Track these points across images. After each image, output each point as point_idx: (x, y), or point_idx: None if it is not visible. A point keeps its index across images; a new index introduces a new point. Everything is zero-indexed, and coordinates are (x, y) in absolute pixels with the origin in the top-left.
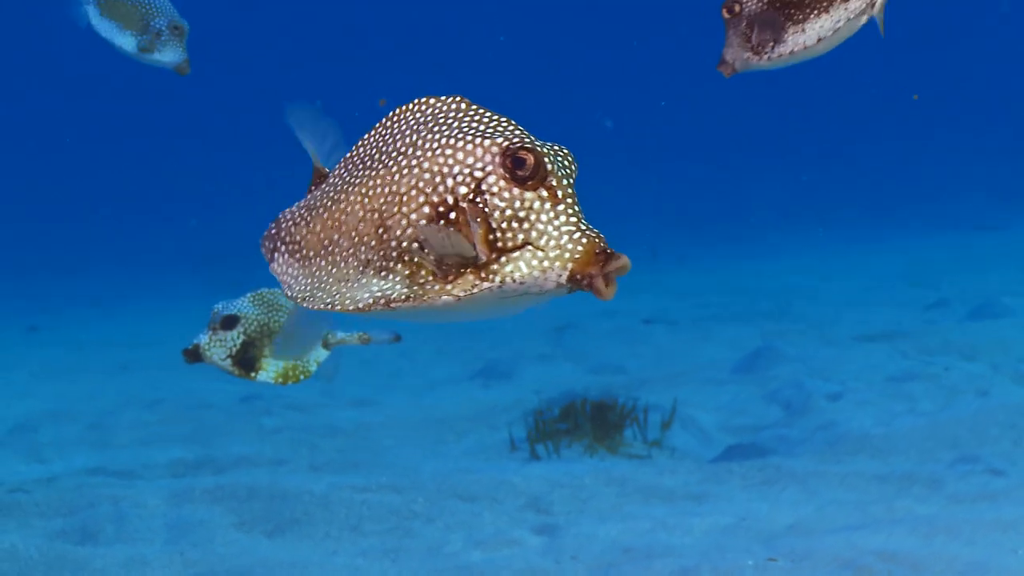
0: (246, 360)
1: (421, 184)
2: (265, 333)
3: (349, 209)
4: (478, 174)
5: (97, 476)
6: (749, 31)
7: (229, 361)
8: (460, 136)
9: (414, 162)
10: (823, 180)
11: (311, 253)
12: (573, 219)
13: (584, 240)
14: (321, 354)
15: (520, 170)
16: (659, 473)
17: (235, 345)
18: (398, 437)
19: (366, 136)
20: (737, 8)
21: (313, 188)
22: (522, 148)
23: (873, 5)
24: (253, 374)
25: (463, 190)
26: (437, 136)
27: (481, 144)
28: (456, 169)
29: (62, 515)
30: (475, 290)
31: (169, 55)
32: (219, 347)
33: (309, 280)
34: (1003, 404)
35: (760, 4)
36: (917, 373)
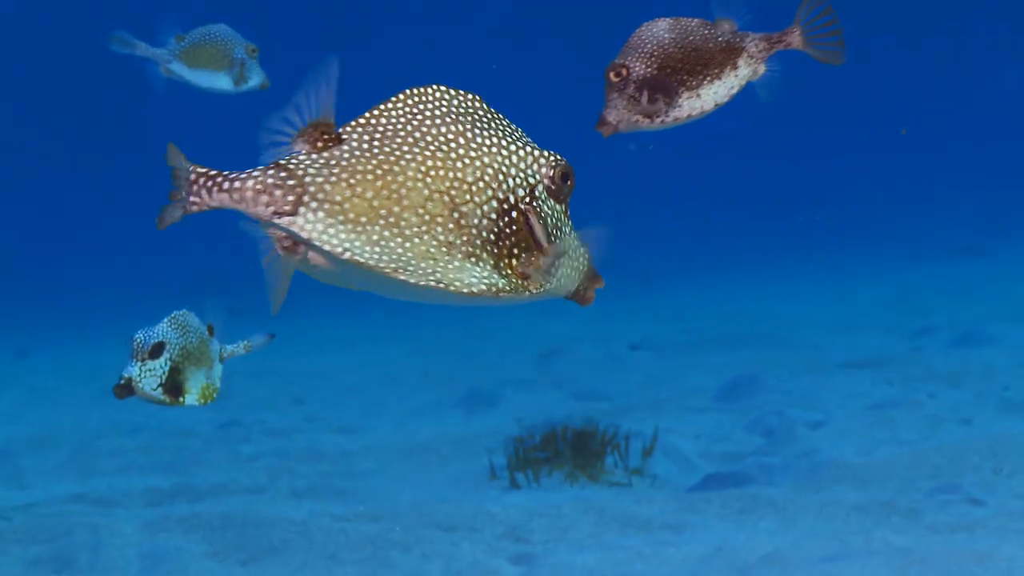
0: (174, 386)
1: (487, 178)
2: (185, 356)
3: (409, 184)
4: (532, 180)
5: (76, 503)
6: (638, 94)
7: (160, 390)
8: (510, 139)
9: (472, 154)
10: (813, 207)
11: (364, 220)
12: (576, 234)
13: (587, 256)
14: (220, 370)
15: (568, 184)
16: (637, 502)
17: (164, 373)
18: (379, 464)
19: (384, 108)
20: (625, 72)
21: (319, 143)
22: (567, 165)
23: (756, 72)
24: (181, 399)
25: (521, 192)
26: (486, 133)
27: (532, 152)
28: (513, 171)
29: (39, 542)
30: (542, 289)
31: (256, 78)
32: (150, 377)
33: (378, 250)
34: (984, 433)
35: (649, 69)
36: (900, 401)
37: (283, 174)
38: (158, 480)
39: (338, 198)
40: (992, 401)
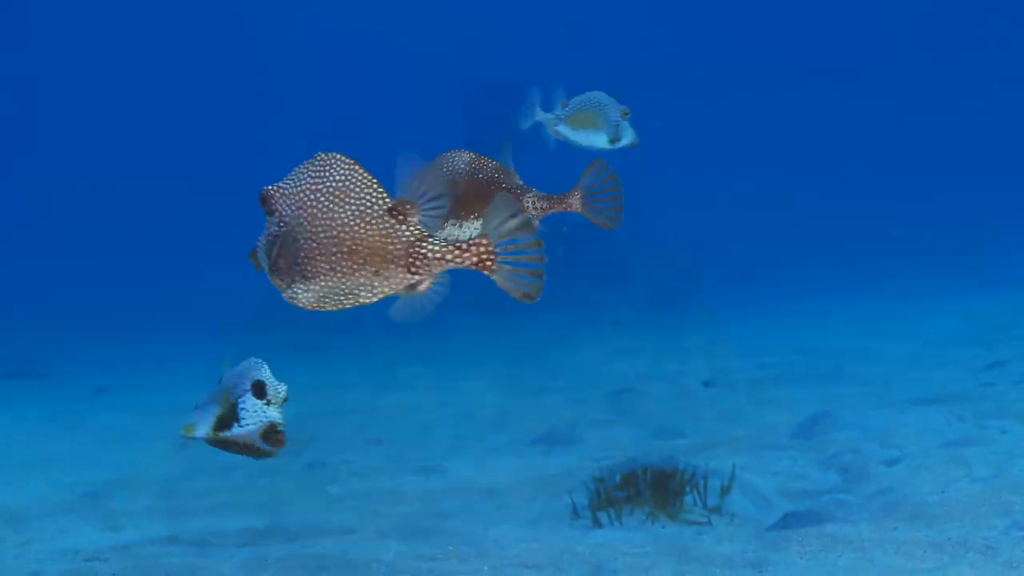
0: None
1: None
2: None
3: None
4: None
5: (172, 545)
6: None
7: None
8: None
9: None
10: (880, 238)
11: None
12: None
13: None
14: None
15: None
16: (718, 540)
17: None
18: (462, 504)
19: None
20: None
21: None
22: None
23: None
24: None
25: None
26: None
27: None
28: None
29: None
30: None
31: (627, 137)
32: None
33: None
34: None
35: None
36: (973, 437)
37: None
38: (251, 521)
39: None
40: None
